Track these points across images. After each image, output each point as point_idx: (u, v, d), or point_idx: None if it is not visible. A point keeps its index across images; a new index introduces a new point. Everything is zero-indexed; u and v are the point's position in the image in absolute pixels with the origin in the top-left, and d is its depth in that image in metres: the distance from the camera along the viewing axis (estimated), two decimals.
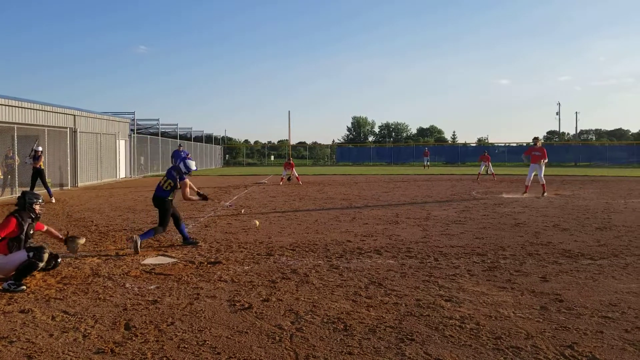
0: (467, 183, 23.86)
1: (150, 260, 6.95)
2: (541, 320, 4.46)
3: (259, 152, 78.22)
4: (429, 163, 45.93)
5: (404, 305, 4.91)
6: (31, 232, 6.01)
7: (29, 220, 5.99)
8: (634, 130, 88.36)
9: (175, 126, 44.56)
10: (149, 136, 35.30)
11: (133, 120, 32.83)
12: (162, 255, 7.33)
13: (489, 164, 27.64)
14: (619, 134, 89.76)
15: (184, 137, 46.53)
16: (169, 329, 4.26)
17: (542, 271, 6.26)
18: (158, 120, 38.90)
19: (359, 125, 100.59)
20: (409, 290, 5.42)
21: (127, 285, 5.70)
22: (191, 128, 49.50)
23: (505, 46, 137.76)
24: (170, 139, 40.15)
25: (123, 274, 6.23)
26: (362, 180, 27.10)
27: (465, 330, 4.21)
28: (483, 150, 26.83)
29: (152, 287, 5.62)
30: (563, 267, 6.45)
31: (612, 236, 8.76)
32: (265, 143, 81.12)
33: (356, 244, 8.09)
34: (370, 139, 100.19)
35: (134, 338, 4.05)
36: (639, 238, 8.54)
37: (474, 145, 70.57)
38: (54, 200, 15.47)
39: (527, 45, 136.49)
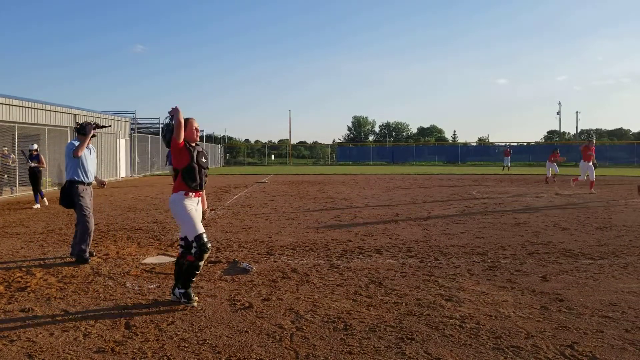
0: (467, 182, 23.84)
1: (150, 260, 6.95)
2: (541, 319, 4.46)
3: (259, 152, 78.23)
4: (509, 164, 38.58)
5: (404, 304, 4.91)
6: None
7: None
8: (634, 130, 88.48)
9: None
10: (149, 135, 35.31)
11: (134, 119, 32.85)
12: (162, 254, 7.34)
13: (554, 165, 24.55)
14: (619, 133, 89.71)
15: None
16: (169, 328, 4.26)
17: (543, 271, 6.26)
18: (158, 119, 38.95)
19: (359, 125, 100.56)
20: (409, 290, 5.42)
21: (128, 284, 5.70)
22: None
23: (503, 46, 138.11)
24: None
25: (123, 273, 6.23)
26: (363, 179, 27.10)
27: (465, 330, 4.21)
28: (553, 150, 23.96)
29: (152, 286, 5.62)
30: (563, 267, 6.45)
31: (612, 236, 8.76)
32: (265, 142, 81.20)
33: (356, 244, 8.09)
34: (371, 138, 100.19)
35: (134, 337, 4.05)
36: (638, 238, 8.54)
37: (474, 144, 70.56)
38: (38, 206, 13.78)
39: (525, 46, 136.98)
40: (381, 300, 5.07)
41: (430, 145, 71.87)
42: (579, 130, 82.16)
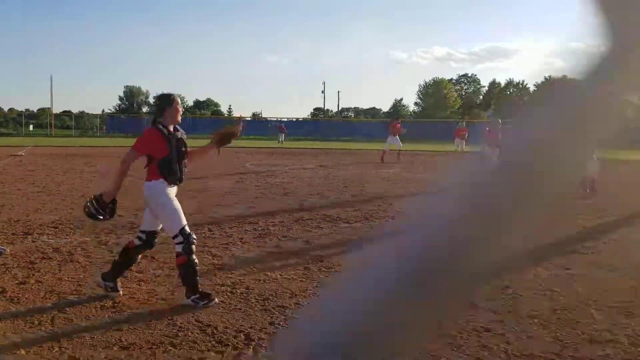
0: (242, 155, 24.45)
1: None
2: (304, 279, 4.92)
3: (14, 121, 68.49)
4: (284, 139, 40.79)
5: (176, 277, 4.93)
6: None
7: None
8: (385, 109, 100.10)
9: None
10: None
11: None
12: None
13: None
14: (373, 112, 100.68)
15: None
16: None
17: (307, 235, 6.85)
18: None
19: (132, 95, 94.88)
20: None
21: None
22: None
23: (269, 23, 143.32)
24: None
25: None
26: None
27: (236, 295, 4.43)
28: (393, 120, 22.79)
29: None
30: (324, 231, 7.15)
31: (364, 201, 9.96)
32: (22, 111, 71.42)
33: (128, 219, 7.76)
34: (145, 109, 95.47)
35: None
36: (386, 203, 9.87)
37: (249, 119, 72.36)
38: None
39: (294, 26, 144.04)
40: (153, 274, 5.01)
41: (206, 118, 71.45)
42: (340, 108, 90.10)
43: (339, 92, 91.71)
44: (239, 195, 10.58)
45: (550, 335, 3.73)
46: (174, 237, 4.17)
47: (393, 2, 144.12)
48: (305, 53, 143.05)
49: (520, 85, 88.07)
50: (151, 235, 4.38)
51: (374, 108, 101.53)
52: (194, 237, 4.22)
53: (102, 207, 4.20)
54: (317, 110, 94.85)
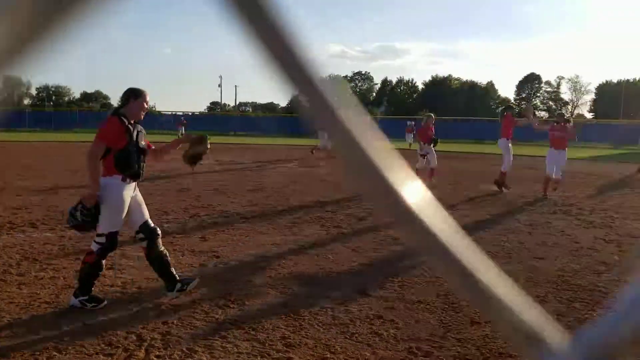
0: None
1: None
2: (199, 276, 4.85)
3: None
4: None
5: (62, 278, 4.67)
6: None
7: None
8: (283, 104, 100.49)
9: None
10: None
11: None
12: None
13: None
14: (271, 107, 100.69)
15: None
16: None
17: (202, 232, 6.74)
18: None
19: (10, 86, 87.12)
20: (68, 263, 5.15)
21: None
22: None
23: (169, 15, 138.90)
24: None
25: None
26: (16, 148, 23.88)
27: (127, 295, 4.29)
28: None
29: None
30: (220, 227, 7.08)
31: (262, 196, 9.96)
32: None
33: (7, 218, 7.20)
34: (27, 101, 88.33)
35: None
36: (283, 197, 9.94)
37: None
38: None
39: (188, 19, 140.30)
40: (35, 276, 4.70)
41: (95, 111, 67.50)
42: (237, 103, 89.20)
43: (236, 86, 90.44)
44: None
45: (435, 319, 3.99)
46: (98, 235, 3.94)
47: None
48: (199, 45, 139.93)
49: (410, 84, 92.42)
50: (145, 227, 4.13)
51: (272, 103, 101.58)
52: (116, 246, 4.06)
53: (89, 215, 3.86)
54: (213, 104, 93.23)
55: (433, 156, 11.94)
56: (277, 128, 53.39)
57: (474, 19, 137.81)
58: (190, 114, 60.16)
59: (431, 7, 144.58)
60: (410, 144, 37.59)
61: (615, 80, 78.42)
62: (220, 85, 78.26)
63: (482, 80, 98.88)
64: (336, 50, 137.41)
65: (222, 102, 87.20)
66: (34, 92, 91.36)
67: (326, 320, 3.87)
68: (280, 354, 3.32)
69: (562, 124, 10.69)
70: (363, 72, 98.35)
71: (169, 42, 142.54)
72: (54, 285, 4.46)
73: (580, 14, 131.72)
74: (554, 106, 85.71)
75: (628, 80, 76.26)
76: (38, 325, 3.63)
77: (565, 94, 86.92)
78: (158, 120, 60.85)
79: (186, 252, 5.70)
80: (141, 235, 4.12)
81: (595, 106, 76.26)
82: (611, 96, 70.19)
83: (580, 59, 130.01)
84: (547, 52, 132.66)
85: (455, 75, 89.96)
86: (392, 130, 19.19)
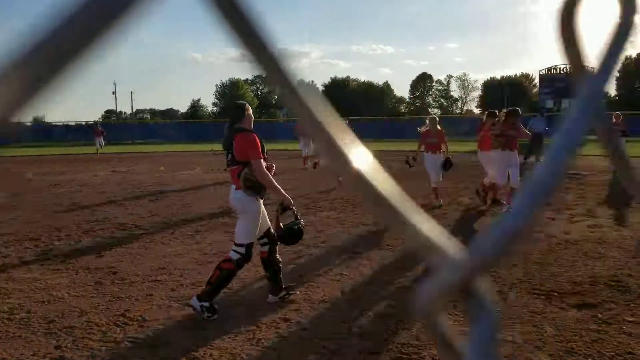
0: (23, 166, 21.80)
1: None
2: (95, 295, 4.60)
3: None
4: (103, 144, 30.76)
5: None
6: None
7: None
8: (183, 110, 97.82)
9: None
10: None
11: None
12: None
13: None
14: (171, 113, 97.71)
15: None
16: None
17: (98, 247, 6.39)
18: None
19: None
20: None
21: None
22: None
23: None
24: None
25: None
26: None
27: (14, 321, 3.97)
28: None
29: None
30: (118, 241, 6.75)
31: (163, 206, 9.61)
32: None
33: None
34: None
35: None
36: (187, 205, 9.64)
37: (29, 123, 64.62)
38: None
39: None
40: None
41: None
42: (134, 110, 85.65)
43: (132, 92, 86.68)
44: (17, 209, 9.41)
45: (339, 316, 4.05)
46: (237, 245, 4.15)
47: (180, 2, 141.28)
48: None
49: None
50: (268, 233, 4.39)
51: (171, 109, 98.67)
52: (251, 257, 4.21)
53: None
54: (108, 112, 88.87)
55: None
56: (177, 134, 52.05)
57: (367, 24, 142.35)
58: (83, 123, 56.90)
59: (328, 11, 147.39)
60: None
61: (498, 77, 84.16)
62: (114, 93, 74.77)
63: (378, 80, 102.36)
64: (235, 53, 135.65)
65: (118, 110, 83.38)
66: None
67: (231, 329, 3.81)
68: None
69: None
70: (264, 75, 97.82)
71: None
72: None
73: (459, 24, 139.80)
74: (445, 103, 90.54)
75: (510, 76, 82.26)
76: None
77: (455, 91, 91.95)
78: (50, 131, 57.19)
79: (80, 270, 5.37)
80: (265, 240, 4.39)
81: (482, 102, 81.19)
82: (495, 92, 75.03)
83: (467, 62, 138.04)
84: (437, 53, 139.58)
85: (352, 76, 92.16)
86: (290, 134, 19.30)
